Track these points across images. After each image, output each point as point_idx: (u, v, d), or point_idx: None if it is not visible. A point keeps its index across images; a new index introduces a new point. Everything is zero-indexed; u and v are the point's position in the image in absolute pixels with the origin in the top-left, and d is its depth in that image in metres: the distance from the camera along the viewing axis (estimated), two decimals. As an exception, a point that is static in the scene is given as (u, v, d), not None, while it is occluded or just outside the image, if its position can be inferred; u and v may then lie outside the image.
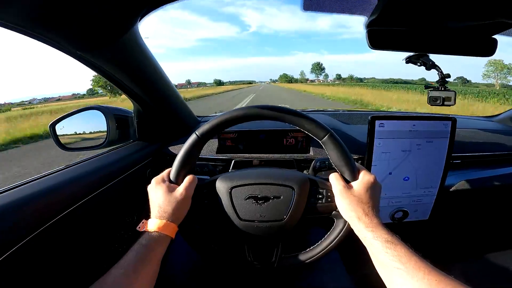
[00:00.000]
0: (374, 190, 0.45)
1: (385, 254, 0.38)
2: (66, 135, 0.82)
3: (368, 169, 0.75)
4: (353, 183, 0.47)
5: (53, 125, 0.78)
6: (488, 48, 0.68)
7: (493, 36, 0.68)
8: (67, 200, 0.57)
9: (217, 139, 0.91)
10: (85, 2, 0.44)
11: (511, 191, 0.93)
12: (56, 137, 0.78)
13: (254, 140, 0.91)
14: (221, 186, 0.50)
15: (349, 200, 0.44)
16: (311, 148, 0.89)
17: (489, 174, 0.89)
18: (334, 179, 0.48)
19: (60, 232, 0.55)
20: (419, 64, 0.83)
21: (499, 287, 0.92)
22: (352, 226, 0.45)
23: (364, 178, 0.46)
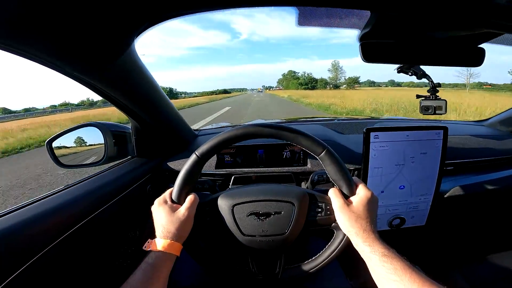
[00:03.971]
0: (371, 205, 0.47)
1: (382, 267, 0.40)
2: (64, 151, 0.82)
3: (365, 180, 0.77)
4: (352, 198, 0.48)
5: (50, 142, 0.78)
6: (476, 58, 0.71)
7: (480, 46, 0.71)
8: (72, 219, 0.58)
9: (215, 154, 0.91)
10: (84, 27, 0.45)
11: (503, 195, 0.96)
12: (53, 154, 0.78)
13: (253, 154, 0.93)
14: (223, 204, 0.51)
15: (348, 216, 0.46)
16: (308, 160, 0.91)
17: (482, 179, 0.92)
18: (333, 195, 0.49)
19: (66, 251, 0.56)
20: (410, 73, 0.86)
21: None
22: (351, 240, 0.47)
23: (362, 193, 0.48)
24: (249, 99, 31.27)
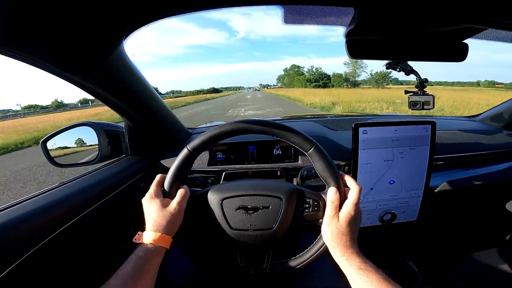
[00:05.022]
0: (355, 221, 0.49)
1: (359, 280, 0.42)
2: (58, 151, 0.84)
3: (354, 175, 0.77)
4: (339, 214, 0.49)
5: (44, 142, 0.79)
6: (460, 53, 0.72)
7: (464, 41, 0.72)
8: (64, 216, 0.59)
9: (208, 151, 0.93)
10: (72, 28, 0.46)
11: (493, 189, 0.96)
12: (48, 154, 0.79)
13: (244, 151, 0.94)
14: (213, 198, 0.52)
15: (331, 230, 0.48)
16: (299, 157, 0.92)
17: (472, 173, 0.92)
18: (330, 204, 0.49)
19: (59, 248, 0.57)
20: (398, 69, 0.87)
21: (491, 285, 0.94)
22: (330, 253, 0.49)
23: (348, 209, 0.48)
24: (231, 107, 17.90)
